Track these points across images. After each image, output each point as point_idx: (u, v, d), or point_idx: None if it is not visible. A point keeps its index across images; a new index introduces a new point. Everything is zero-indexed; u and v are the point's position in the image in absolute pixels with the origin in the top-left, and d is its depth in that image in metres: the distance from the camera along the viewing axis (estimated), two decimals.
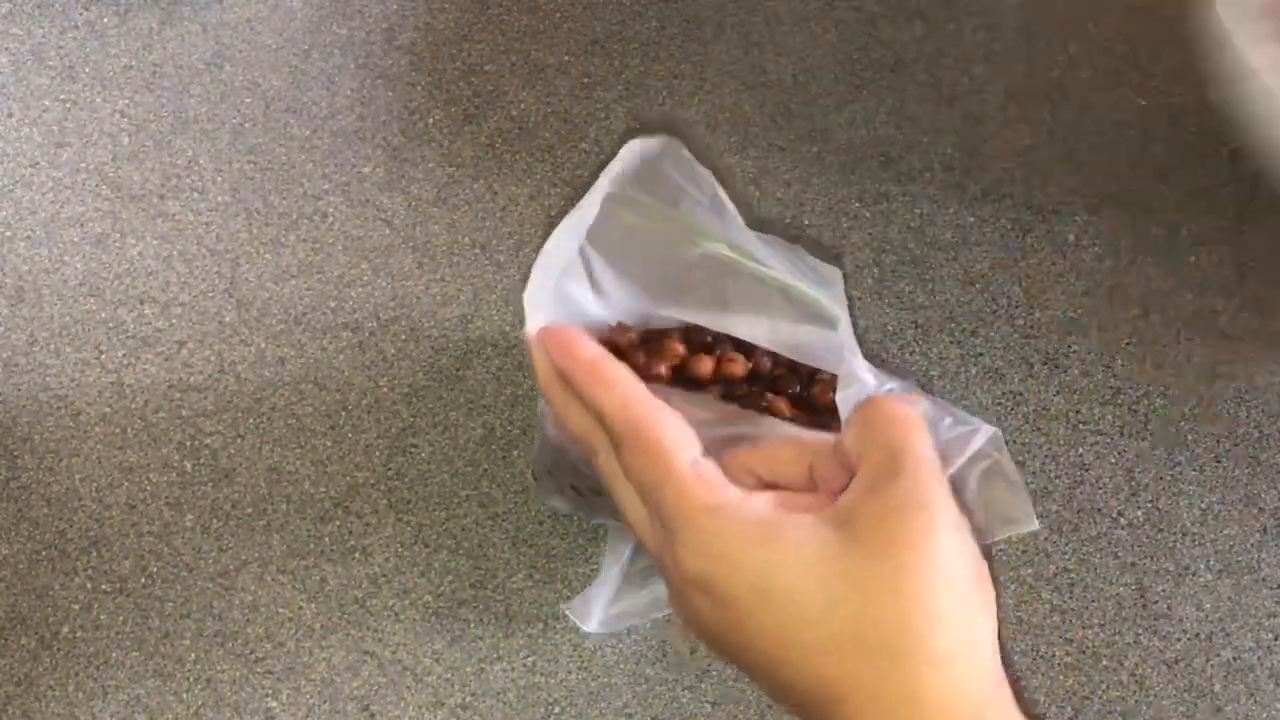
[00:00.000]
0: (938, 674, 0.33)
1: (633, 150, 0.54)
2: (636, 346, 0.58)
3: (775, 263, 0.53)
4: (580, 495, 0.59)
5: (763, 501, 0.37)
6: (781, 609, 0.34)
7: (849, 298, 0.67)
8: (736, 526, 0.35)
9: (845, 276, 0.55)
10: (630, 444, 0.39)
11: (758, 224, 0.69)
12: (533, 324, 0.51)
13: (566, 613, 0.57)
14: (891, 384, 0.56)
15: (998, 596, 0.61)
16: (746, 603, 0.34)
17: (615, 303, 0.58)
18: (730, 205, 0.53)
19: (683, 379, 0.57)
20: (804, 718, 0.35)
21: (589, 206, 0.54)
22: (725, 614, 0.35)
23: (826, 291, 0.51)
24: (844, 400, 0.50)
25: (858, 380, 0.49)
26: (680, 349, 0.57)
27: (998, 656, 0.36)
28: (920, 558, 0.34)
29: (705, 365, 0.56)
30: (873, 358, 0.65)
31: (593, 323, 0.58)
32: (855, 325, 0.66)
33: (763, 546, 0.35)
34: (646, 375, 0.56)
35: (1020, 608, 0.60)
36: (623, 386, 0.42)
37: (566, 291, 0.57)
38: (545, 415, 0.55)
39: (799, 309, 0.52)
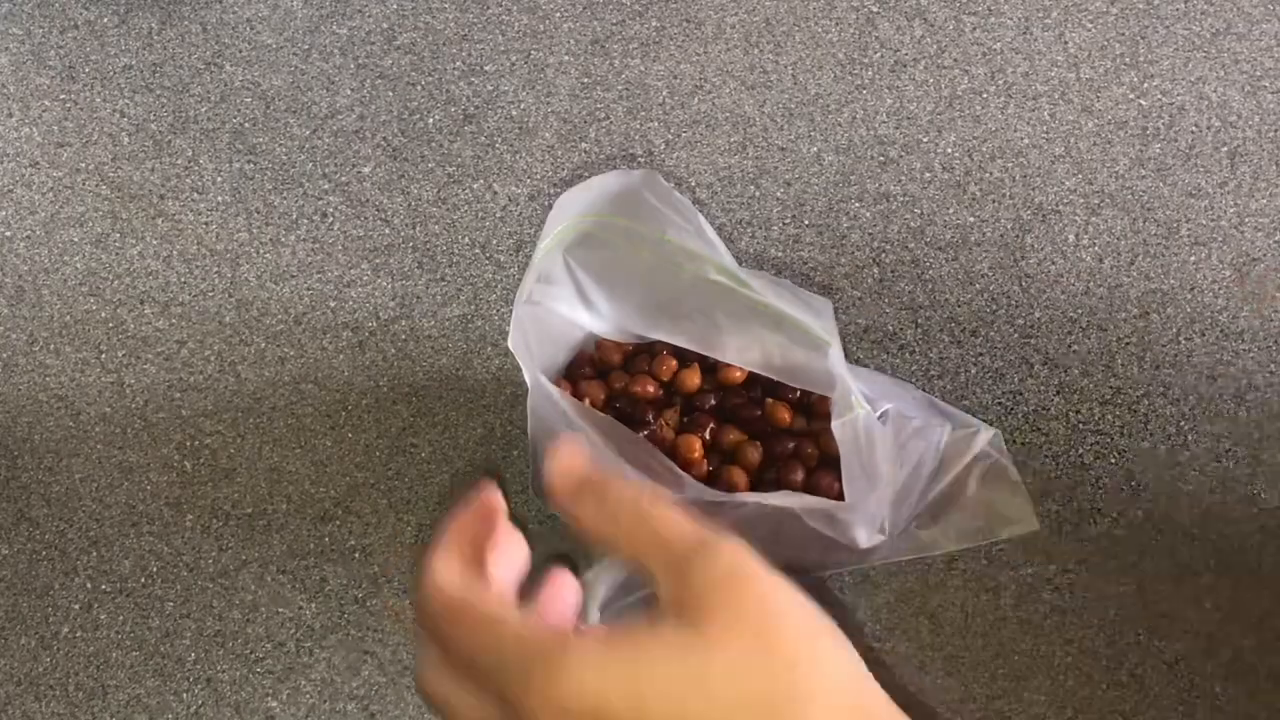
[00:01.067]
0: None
1: (609, 181, 0.54)
2: (627, 358, 0.59)
3: (764, 290, 0.53)
4: None
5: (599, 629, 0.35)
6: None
7: (854, 300, 0.67)
8: (593, 653, 0.33)
9: (836, 307, 0.55)
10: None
11: (743, 260, 0.69)
12: (529, 374, 0.52)
13: None
14: (887, 405, 0.56)
15: (997, 597, 0.61)
16: None
17: (607, 319, 0.58)
18: (714, 235, 0.53)
19: (673, 392, 0.58)
20: None
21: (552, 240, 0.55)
22: None
23: (817, 320, 0.52)
24: (839, 428, 0.50)
25: (851, 410, 0.50)
26: (673, 362, 0.58)
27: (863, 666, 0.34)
28: (771, 617, 0.32)
29: (693, 379, 0.58)
30: (872, 359, 0.65)
31: (585, 335, 0.59)
32: (854, 327, 0.66)
33: (626, 665, 0.33)
34: (640, 392, 0.57)
35: (1020, 608, 0.60)
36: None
37: (556, 309, 0.57)
38: (536, 442, 0.55)
39: (790, 334, 0.52)
